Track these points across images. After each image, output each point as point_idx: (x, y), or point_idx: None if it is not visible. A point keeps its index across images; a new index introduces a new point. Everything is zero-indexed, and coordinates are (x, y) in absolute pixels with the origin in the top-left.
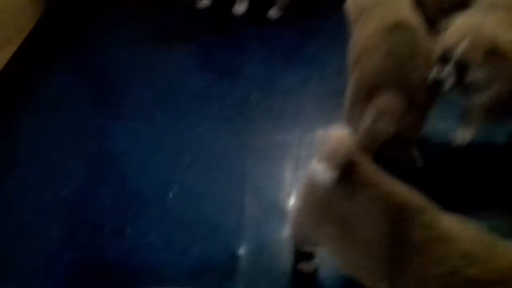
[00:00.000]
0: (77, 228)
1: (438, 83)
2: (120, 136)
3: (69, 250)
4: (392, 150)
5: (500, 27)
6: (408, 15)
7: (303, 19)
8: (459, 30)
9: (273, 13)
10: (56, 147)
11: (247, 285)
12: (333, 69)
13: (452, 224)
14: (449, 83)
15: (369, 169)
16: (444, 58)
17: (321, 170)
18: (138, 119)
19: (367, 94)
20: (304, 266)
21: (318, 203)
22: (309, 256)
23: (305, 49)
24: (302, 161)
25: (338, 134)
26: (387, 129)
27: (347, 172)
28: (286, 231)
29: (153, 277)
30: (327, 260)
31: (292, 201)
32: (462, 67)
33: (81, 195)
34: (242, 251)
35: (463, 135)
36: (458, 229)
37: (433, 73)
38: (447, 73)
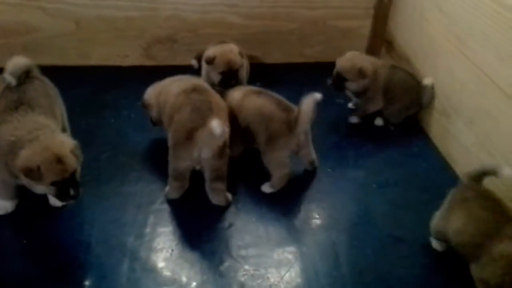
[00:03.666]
0: None
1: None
2: None
3: None
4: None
5: None
6: (200, 82)
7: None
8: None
9: None
10: None
11: None
12: None
13: None
14: None
15: None
16: None
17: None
18: None
19: (185, 137)
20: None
21: None
22: None
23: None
24: (143, 207)
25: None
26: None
27: None
28: (125, 262)
29: None
30: None
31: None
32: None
33: None
34: (87, 282)
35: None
36: None
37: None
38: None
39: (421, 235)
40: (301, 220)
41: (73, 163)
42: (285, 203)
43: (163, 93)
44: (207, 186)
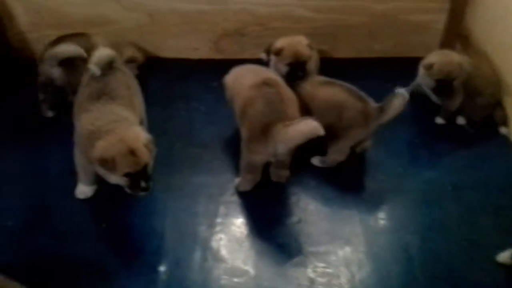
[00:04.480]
0: None
1: None
2: None
3: None
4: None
5: None
6: (269, 75)
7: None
8: None
9: None
10: None
11: None
12: None
13: None
14: None
15: None
16: None
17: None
18: None
19: (261, 132)
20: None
21: None
22: None
23: (220, 109)
24: (213, 198)
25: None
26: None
27: None
28: (198, 251)
29: None
30: None
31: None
32: None
33: None
34: (162, 268)
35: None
36: None
37: None
38: None
39: (499, 240)
40: (372, 220)
41: (146, 156)
42: (355, 202)
43: (238, 81)
44: (271, 171)
